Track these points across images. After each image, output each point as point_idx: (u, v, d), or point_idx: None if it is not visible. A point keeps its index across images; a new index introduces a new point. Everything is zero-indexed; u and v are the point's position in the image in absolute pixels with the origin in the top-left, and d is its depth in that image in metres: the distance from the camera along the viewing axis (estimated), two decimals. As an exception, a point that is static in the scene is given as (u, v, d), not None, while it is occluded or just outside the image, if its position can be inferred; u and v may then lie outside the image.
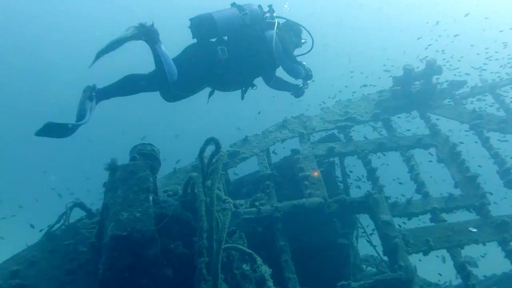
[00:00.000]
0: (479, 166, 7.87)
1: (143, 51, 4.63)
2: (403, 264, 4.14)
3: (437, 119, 6.54)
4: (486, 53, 14.32)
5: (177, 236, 3.38)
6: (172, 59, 4.50)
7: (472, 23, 28.87)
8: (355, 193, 6.38)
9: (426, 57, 6.60)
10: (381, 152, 6.13)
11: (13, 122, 35.28)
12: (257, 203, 4.73)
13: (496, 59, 13.73)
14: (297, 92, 5.65)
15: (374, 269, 6.17)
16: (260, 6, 5.13)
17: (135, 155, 3.69)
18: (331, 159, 6.23)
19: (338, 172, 6.40)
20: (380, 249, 4.65)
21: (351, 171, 7.10)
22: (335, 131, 6.36)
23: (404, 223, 5.47)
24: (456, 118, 6.56)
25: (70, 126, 3.83)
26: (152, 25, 4.35)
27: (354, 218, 5.86)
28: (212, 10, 4.86)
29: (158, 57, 4.37)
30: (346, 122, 6.22)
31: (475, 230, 4.95)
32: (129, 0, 39.47)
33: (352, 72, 19.69)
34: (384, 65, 13.19)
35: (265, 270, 3.34)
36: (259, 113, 15.45)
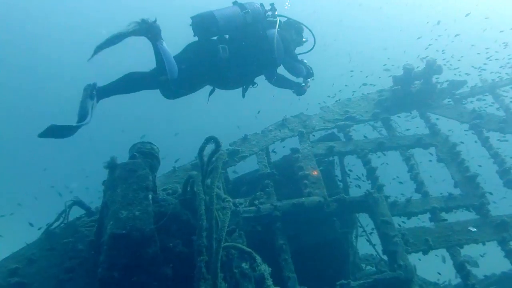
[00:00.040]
0: (479, 166, 7.87)
1: (145, 48, 4.63)
2: (403, 263, 4.14)
3: (437, 119, 6.54)
4: (487, 53, 14.33)
5: (176, 234, 3.37)
6: (173, 57, 4.50)
7: (473, 23, 28.87)
8: (355, 192, 6.37)
9: (427, 56, 6.60)
10: (380, 152, 6.13)
11: (12, 120, 35.29)
12: (256, 202, 4.73)
13: (496, 59, 13.73)
14: (299, 90, 5.64)
15: (374, 268, 6.17)
16: (262, 5, 5.11)
17: (135, 153, 3.68)
18: (331, 158, 6.23)
19: (337, 171, 6.40)
20: (379, 248, 4.64)
21: (350, 170, 7.10)
22: (335, 130, 6.35)
23: (403, 222, 5.47)
24: (456, 118, 6.56)
25: (73, 126, 3.84)
26: (155, 21, 4.34)
27: (354, 217, 5.85)
28: (214, 8, 4.85)
29: (159, 54, 4.37)
30: (346, 121, 6.22)
31: (475, 229, 4.95)
32: (131, -2, 39.42)
33: (352, 71, 19.69)
34: (385, 65, 13.18)
35: (265, 269, 3.33)
36: (258, 112, 15.43)
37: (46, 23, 38.94)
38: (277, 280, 3.55)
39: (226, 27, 4.79)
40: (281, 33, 5.07)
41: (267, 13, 5.15)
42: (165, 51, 4.39)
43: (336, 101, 6.81)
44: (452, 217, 5.25)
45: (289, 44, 5.18)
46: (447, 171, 5.78)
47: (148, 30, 4.30)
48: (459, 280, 5.63)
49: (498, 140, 6.70)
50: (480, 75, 8.56)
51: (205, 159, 3.36)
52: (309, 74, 5.53)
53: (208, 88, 5.21)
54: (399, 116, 6.71)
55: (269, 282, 3.26)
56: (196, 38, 4.88)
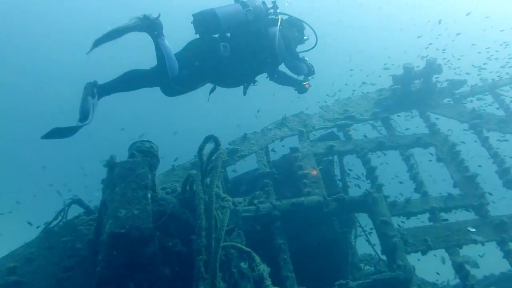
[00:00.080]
0: (479, 166, 7.87)
1: (146, 45, 4.61)
2: (402, 263, 4.14)
3: (437, 118, 6.53)
4: (487, 52, 14.31)
5: (175, 233, 3.37)
6: (174, 54, 4.48)
7: (473, 23, 28.86)
8: (354, 192, 6.37)
9: (427, 56, 6.59)
10: (380, 151, 6.13)
11: (11, 118, 35.25)
12: (255, 201, 4.72)
13: (496, 59, 13.72)
14: (301, 88, 5.63)
15: (372, 268, 6.16)
16: (263, 2, 5.09)
17: (134, 152, 3.67)
18: (330, 157, 6.22)
19: (337, 171, 6.39)
20: (378, 248, 4.64)
21: (350, 170, 7.09)
22: (335, 130, 6.34)
23: (403, 222, 5.46)
24: (456, 118, 6.55)
25: (75, 127, 3.84)
26: (157, 18, 4.32)
27: (353, 217, 5.85)
28: (216, 5, 4.82)
29: (160, 51, 4.35)
30: (346, 121, 6.20)
31: (474, 230, 4.94)
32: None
33: (352, 70, 19.67)
34: (385, 64, 13.17)
35: (264, 268, 3.33)
36: (258, 111, 15.41)
37: (46, 23, 38.87)
38: (276, 279, 3.55)
39: (227, 25, 4.77)
40: (282, 31, 5.05)
41: (269, 11, 5.13)
42: (166, 48, 4.37)
43: (336, 100, 6.80)
44: (451, 217, 5.25)
45: (290, 43, 5.16)
46: (447, 171, 5.78)
47: (150, 26, 4.28)
48: (457, 280, 5.64)
49: (497, 140, 6.69)
50: (480, 74, 8.55)
51: (205, 158, 3.35)
52: (310, 72, 5.52)
53: (208, 86, 5.19)
54: (398, 116, 6.71)
55: (268, 282, 3.25)
56: (197, 36, 4.86)
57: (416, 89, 6.58)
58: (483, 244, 4.97)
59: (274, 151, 6.49)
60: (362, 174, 6.35)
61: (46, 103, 35.24)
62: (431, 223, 5.09)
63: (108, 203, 3.16)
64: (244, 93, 5.35)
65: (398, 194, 7.08)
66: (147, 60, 4.91)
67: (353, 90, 11.68)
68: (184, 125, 32.82)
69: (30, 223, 9.89)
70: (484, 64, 11.52)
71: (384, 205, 4.64)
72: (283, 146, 6.14)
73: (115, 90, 4.37)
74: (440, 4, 39.85)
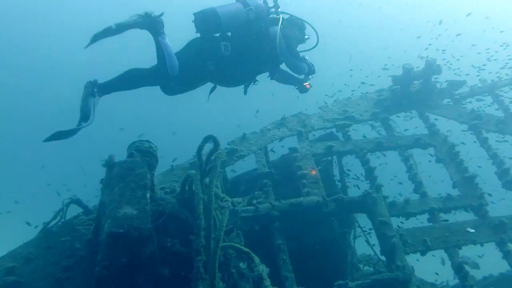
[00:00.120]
0: (478, 166, 7.86)
1: (147, 43, 4.60)
2: (401, 264, 4.14)
3: (436, 119, 6.53)
4: (487, 53, 14.31)
5: (174, 234, 3.36)
6: (175, 53, 4.47)
7: (473, 23, 28.88)
8: (353, 192, 6.36)
9: (427, 56, 6.58)
10: (379, 152, 6.12)
11: (11, 118, 35.21)
12: (254, 202, 4.72)
13: (495, 59, 13.72)
14: (302, 88, 5.63)
15: (371, 269, 6.15)
16: (265, 1, 5.08)
17: (133, 151, 3.67)
18: (329, 157, 6.22)
19: (336, 171, 6.38)
20: (377, 248, 4.64)
21: (349, 170, 7.09)
22: (334, 130, 6.34)
23: (402, 222, 5.46)
24: (455, 118, 6.55)
25: (76, 129, 3.84)
26: (159, 16, 4.30)
27: (352, 218, 5.85)
28: (217, 4, 4.81)
29: (160, 50, 4.34)
30: (345, 121, 6.20)
31: (473, 230, 4.94)
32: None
33: (351, 70, 19.67)
34: (385, 65, 13.16)
35: (263, 269, 3.32)
36: (257, 111, 15.41)
37: (46, 23, 38.83)
38: (275, 280, 3.54)
39: (228, 24, 4.76)
40: (283, 31, 5.05)
41: (270, 10, 5.12)
42: (167, 46, 4.36)
43: (335, 100, 6.80)
44: (450, 218, 5.25)
45: (291, 42, 5.15)
46: (446, 172, 5.77)
47: (151, 24, 4.27)
48: (457, 281, 5.64)
49: (497, 141, 6.69)
50: (479, 75, 8.55)
51: (204, 158, 3.35)
52: (310, 71, 5.51)
53: (207, 86, 5.18)
54: (398, 116, 6.71)
55: (267, 282, 3.25)
56: (198, 35, 4.85)
57: (415, 90, 6.58)
58: (482, 244, 4.97)
59: (273, 151, 6.49)
60: (361, 174, 6.34)
61: (45, 103, 35.23)
62: (430, 224, 5.10)
63: (107, 203, 3.16)
64: (245, 93, 5.34)
65: (397, 195, 7.06)
66: (147, 58, 4.90)
67: (353, 91, 11.70)
68: (183, 125, 32.84)
69: (28, 223, 9.87)
70: (484, 65, 11.52)
71: (383, 206, 4.64)
72: (282, 146, 6.13)
73: (115, 89, 4.36)
74: (440, 5, 39.90)
